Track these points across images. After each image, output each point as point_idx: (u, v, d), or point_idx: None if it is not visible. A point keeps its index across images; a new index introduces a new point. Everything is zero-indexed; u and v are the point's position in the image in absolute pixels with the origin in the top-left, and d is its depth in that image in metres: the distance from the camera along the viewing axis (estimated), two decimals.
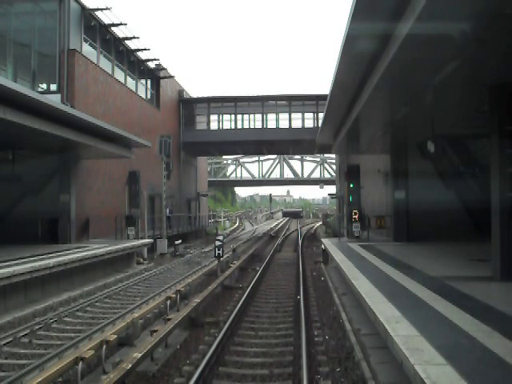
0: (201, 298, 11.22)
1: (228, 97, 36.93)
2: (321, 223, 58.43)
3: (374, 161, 21.29)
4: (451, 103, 12.74)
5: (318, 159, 71.90)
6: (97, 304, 12.19)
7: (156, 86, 31.57)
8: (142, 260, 20.75)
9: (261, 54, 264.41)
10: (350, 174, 18.63)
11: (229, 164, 76.77)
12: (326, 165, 72.20)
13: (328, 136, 20.00)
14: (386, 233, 19.65)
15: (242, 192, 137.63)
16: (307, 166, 72.72)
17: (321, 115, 36.96)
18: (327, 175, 70.90)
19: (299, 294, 12.64)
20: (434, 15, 7.40)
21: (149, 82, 31.13)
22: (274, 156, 72.04)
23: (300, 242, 30.94)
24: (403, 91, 13.52)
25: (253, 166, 74.77)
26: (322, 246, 19.93)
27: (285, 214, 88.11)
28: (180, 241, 25.34)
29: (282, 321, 10.30)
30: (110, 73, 24.10)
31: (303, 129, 36.40)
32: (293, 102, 36.60)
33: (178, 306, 11.48)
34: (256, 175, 73.98)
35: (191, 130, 36.97)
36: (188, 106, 37.26)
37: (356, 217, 18.04)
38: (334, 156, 69.55)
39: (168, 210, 23.63)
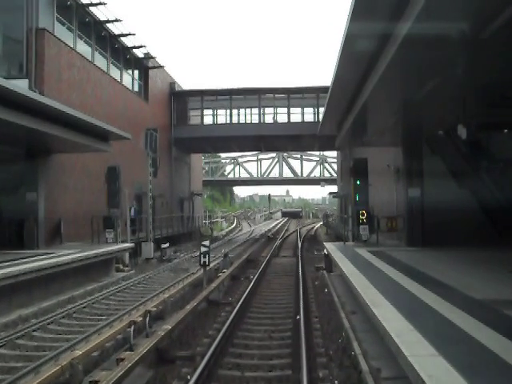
0: (175, 322, 8.95)
1: (223, 89, 34.64)
2: (321, 223, 56.28)
3: (383, 155, 19.02)
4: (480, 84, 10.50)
5: (318, 158, 70.41)
6: (48, 327, 9.90)
7: (144, 77, 29.28)
8: (122, 267, 18.47)
9: (257, 46, 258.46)
10: (356, 170, 16.35)
11: (227, 163, 75.00)
12: (325, 164, 70.55)
13: (331, 126, 17.67)
14: (396, 236, 17.38)
15: (241, 192, 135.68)
16: (307, 165, 71.23)
17: (321, 110, 34.84)
18: (327, 175, 69.10)
19: (299, 312, 10.38)
20: None
21: (136, 72, 28.87)
22: (273, 155, 70.75)
23: (299, 244, 28.67)
24: (419, 72, 11.39)
25: (251, 166, 73.08)
26: (325, 251, 17.70)
27: (284, 214, 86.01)
28: (167, 244, 23.08)
29: (276, 354, 8.01)
30: (90, 59, 21.82)
31: (303, 123, 34.15)
32: (292, 95, 34.32)
33: (147, 331, 9.19)
34: (255, 174, 72.31)
35: (183, 125, 34.69)
36: (180, 100, 34.95)
37: (364, 218, 15.76)
38: (334, 155, 68.27)
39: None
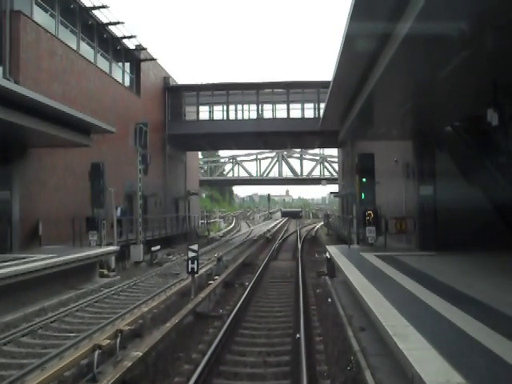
0: (151, 344, 7.48)
1: (219, 84, 33.17)
2: (322, 224, 54.82)
3: (390, 149, 17.53)
4: None
5: (318, 157, 69.53)
6: (3, 349, 8.39)
7: (136, 70, 27.82)
8: (106, 272, 16.97)
9: (255, 40, 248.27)
10: (361, 166, 14.85)
11: (226, 162, 73.81)
12: (326, 164, 69.40)
13: (334, 119, 16.07)
14: (405, 239, 15.91)
15: (240, 192, 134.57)
16: (306, 164, 70.42)
17: (322, 106, 33.51)
18: (327, 174, 67.99)
19: (299, 329, 8.91)
20: None
21: (127, 65, 27.40)
22: (273, 154, 69.84)
23: (299, 246, 27.17)
24: (433, 55, 9.93)
25: (251, 165, 72.00)
26: (327, 255, 16.25)
27: (284, 214, 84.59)
28: (158, 246, 21.57)
29: None
30: (75, 48, 20.32)
31: (303, 119, 32.71)
32: (291, 91, 32.84)
33: (117, 355, 7.71)
34: (254, 174, 71.24)
35: (178, 121, 33.21)
36: (175, 95, 33.45)
37: (370, 219, 14.26)
38: (334, 154, 67.15)
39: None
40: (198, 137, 32.80)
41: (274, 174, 71.15)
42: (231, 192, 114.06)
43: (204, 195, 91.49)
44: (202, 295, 11.48)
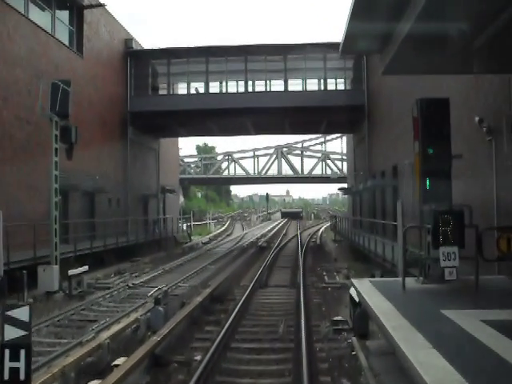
0: None
1: (197, 48, 25.63)
2: (326, 227, 47.47)
3: (464, 100, 9.88)
4: None
5: (320, 154, 63.37)
6: None
7: (77, 21, 20.37)
8: None
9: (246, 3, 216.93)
10: (425, 123, 7.31)
11: (222, 160, 68.01)
12: (328, 161, 63.21)
13: (369, 35, 8.19)
14: (500, 268, 8.47)
15: (240, 192, 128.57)
16: (307, 162, 64.93)
17: (329, 81, 26.64)
18: (329, 172, 61.94)
19: None
20: None
21: (65, 13, 20.05)
22: (271, 151, 64.41)
23: (301, 260, 19.64)
24: None
25: (249, 164, 66.63)
26: (351, 292, 9.00)
27: (284, 215, 77.72)
28: (86, 267, 14.10)
29: None
30: None
31: (304, 93, 25.37)
32: (289, 56, 25.42)
33: None
34: (251, 172, 65.55)
35: (144, 96, 25.81)
36: (140, 63, 25.99)
37: (449, 231, 6.83)
38: (337, 150, 61.38)
39: None
40: (168, 116, 25.19)
41: (273, 172, 65.58)
42: (228, 191, 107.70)
43: (200, 195, 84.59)
44: None
